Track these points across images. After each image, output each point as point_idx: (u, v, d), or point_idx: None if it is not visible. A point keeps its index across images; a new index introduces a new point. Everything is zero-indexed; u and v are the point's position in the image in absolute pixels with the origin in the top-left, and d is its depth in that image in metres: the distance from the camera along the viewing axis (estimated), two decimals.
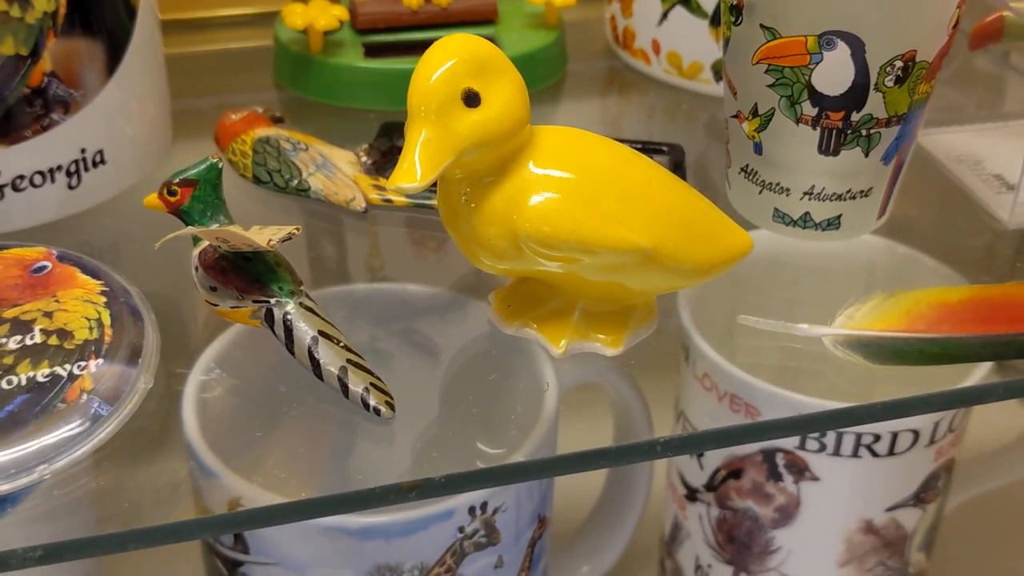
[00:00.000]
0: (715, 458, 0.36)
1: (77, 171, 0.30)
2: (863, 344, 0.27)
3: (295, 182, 0.32)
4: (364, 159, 0.33)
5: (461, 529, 0.32)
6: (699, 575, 0.39)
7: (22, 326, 0.25)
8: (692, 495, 0.38)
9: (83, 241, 0.31)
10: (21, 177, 0.30)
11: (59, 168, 0.30)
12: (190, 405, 0.32)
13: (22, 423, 0.23)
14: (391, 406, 0.25)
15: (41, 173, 0.30)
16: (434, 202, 0.30)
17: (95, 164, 0.31)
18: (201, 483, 0.32)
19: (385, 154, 0.34)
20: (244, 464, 0.32)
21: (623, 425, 0.41)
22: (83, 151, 0.30)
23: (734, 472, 0.36)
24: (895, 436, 0.34)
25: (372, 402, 0.25)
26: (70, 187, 0.30)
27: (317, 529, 0.31)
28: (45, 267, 0.26)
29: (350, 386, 0.25)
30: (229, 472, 0.31)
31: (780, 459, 0.35)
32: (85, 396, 0.24)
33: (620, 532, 0.43)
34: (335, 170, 0.32)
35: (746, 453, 0.35)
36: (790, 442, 0.34)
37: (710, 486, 0.37)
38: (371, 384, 0.25)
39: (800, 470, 0.35)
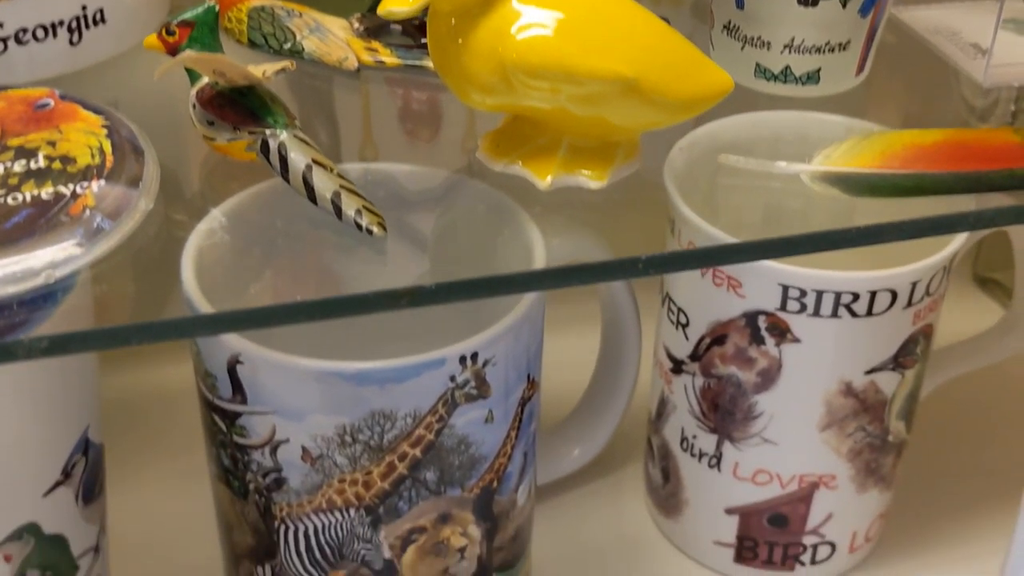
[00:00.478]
0: (699, 327, 0.38)
1: (78, 27, 0.31)
2: (839, 179, 0.28)
3: (289, 44, 0.33)
4: (356, 26, 0.34)
5: (452, 378, 0.33)
6: (684, 447, 0.40)
7: (26, 153, 0.26)
8: (678, 367, 0.39)
9: (84, 97, 0.32)
10: (24, 30, 0.30)
11: (61, 23, 0.31)
12: (189, 262, 0.33)
13: (27, 234, 0.24)
14: (383, 227, 0.26)
15: (43, 27, 0.31)
16: (426, 62, 0.31)
17: (95, 22, 0.32)
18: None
19: (376, 25, 0.35)
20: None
21: (609, 309, 0.42)
22: (84, 8, 0.31)
23: (718, 339, 0.37)
24: (873, 296, 0.35)
25: (364, 222, 0.26)
26: (71, 43, 0.31)
27: (314, 375, 0.32)
28: (48, 104, 0.27)
29: (343, 208, 0.26)
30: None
31: (762, 322, 0.36)
32: (88, 211, 0.25)
33: (610, 414, 0.44)
34: (328, 33, 0.33)
35: (729, 318, 0.36)
36: (771, 304, 0.35)
37: (695, 355, 0.38)
38: (363, 207, 0.26)
39: (782, 332, 0.36)
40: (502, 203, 0.38)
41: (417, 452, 0.33)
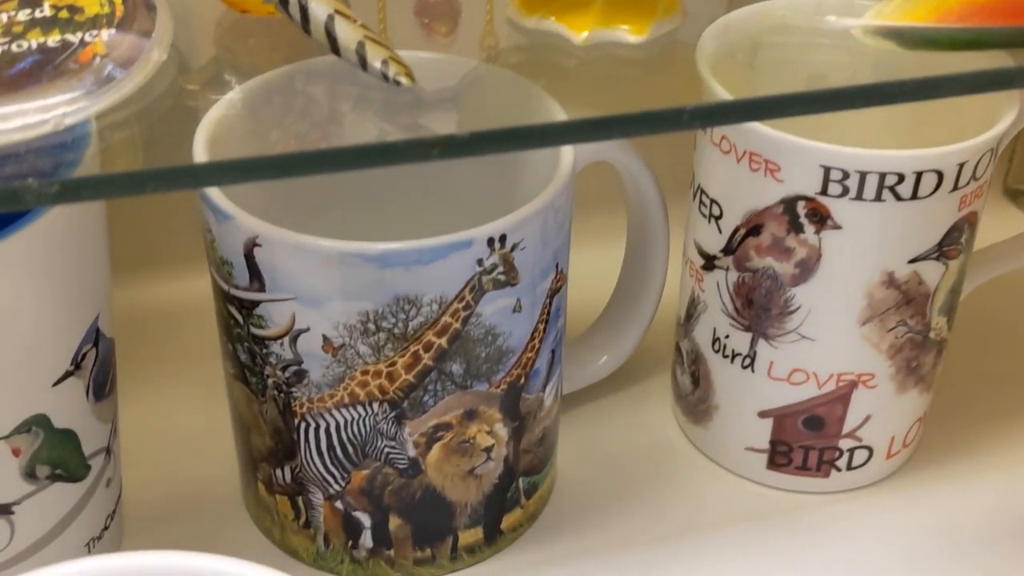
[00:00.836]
0: (734, 218, 0.36)
1: None
2: (894, 32, 0.26)
3: None
4: None
5: (480, 262, 0.31)
6: (716, 348, 0.39)
7: (30, 2, 0.24)
8: (710, 263, 0.38)
9: None
10: None
11: None
12: (202, 136, 0.32)
13: (34, 80, 0.22)
14: (411, 76, 0.25)
15: None
16: None
17: None
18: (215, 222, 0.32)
19: None
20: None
21: (636, 209, 0.40)
22: None
23: (753, 229, 0.36)
24: (919, 177, 0.33)
25: (391, 72, 0.25)
26: None
27: (336, 256, 0.30)
28: None
29: (368, 59, 0.25)
30: (243, 213, 0.31)
31: (802, 208, 0.34)
32: (98, 59, 0.23)
33: (638, 319, 0.42)
34: None
35: (766, 206, 0.35)
36: (812, 188, 0.34)
37: (728, 249, 0.37)
38: (389, 57, 0.25)
39: (822, 219, 0.34)
40: (529, 91, 0.36)
41: (443, 342, 0.32)
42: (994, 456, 0.41)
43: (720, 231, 0.37)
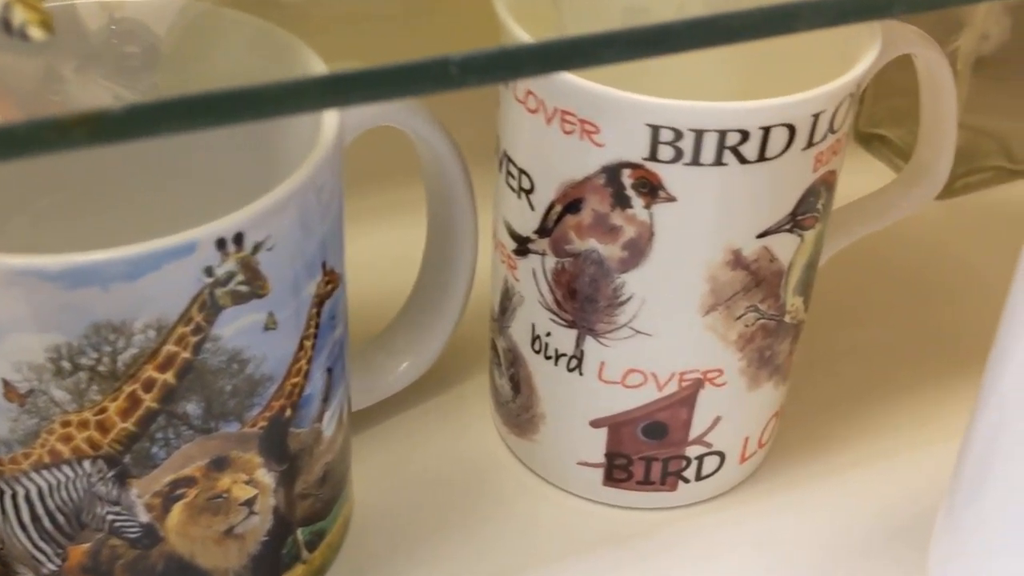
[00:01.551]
0: (547, 191, 0.29)
1: None
2: None
3: None
4: None
5: (209, 271, 0.23)
6: (537, 347, 0.32)
7: None
8: (523, 247, 0.31)
9: None
10: None
11: None
12: None
13: None
14: (48, 26, 0.17)
15: None
16: None
17: None
18: None
19: None
20: None
21: (435, 183, 0.33)
22: None
23: (571, 205, 0.29)
24: (767, 134, 0.27)
25: (17, 20, 0.17)
26: None
27: (6, 276, 0.22)
28: None
29: None
30: None
31: (627, 177, 0.28)
32: None
33: (444, 316, 0.35)
34: None
35: (585, 175, 0.28)
36: (638, 152, 0.27)
37: (543, 229, 0.30)
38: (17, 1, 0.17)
39: (652, 189, 0.28)
40: (276, 38, 0.29)
41: (169, 377, 0.24)
42: (858, 447, 0.36)
43: (532, 208, 0.30)
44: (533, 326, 0.32)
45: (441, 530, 0.33)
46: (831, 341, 0.39)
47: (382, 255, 0.40)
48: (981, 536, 0.22)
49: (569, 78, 0.27)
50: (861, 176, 0.37)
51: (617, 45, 0.17)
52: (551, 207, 0.29)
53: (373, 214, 0.43)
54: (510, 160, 0.30)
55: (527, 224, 0.30)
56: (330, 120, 0.27)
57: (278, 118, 0.16)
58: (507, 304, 0.33)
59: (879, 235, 0.37)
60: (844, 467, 0.35)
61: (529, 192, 0.30)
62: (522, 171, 0.30)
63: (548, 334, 0.31)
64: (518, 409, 0.34)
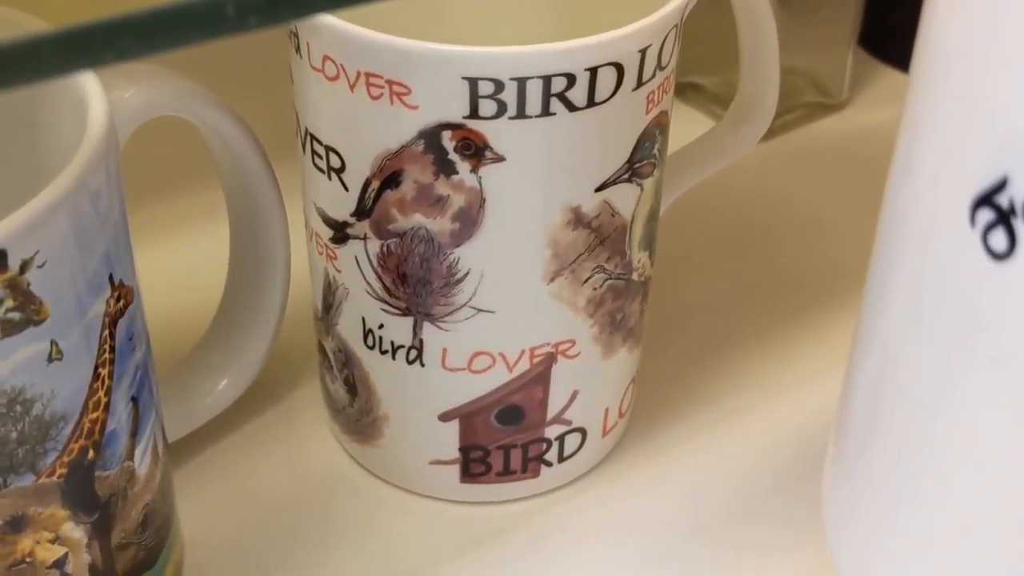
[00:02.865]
0: (360, 168, 0.26)
1: None
2: None
3: None
4: None
5: None
6: (370, 343, 0.29)
7: None
8: (341, 233, 0.28)
9: None
10: None
11: None
12: None
13: None
14: None
15: None
16: None
17: None
18: None
19: None
20: None
21: (231, 177, 0.30)
22: None
23: (390, 179, 0.26)
24: (593, 75, 0.24)
25: None
26: None
27: None
28: None
29: None
30: None
31: (448, 140, 0.25)
32: None
33: (262, 323, 0.32)
34: None
35: (401, 144, 0.25)
36: (458, 111, 0.24)
37: (361, 211, 0.27)
38: None
39: (478, 151, 0.25)
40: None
41: None
42: (719, 405, 0.34)
43: (346, 188, 0.27)
44: (363, 320, 0.29)
45: (289, 557, 0.30)
46: (676, 297, 0.38)
47: (182, 266, 0.36)
48: (878, 486, 0.20)
49: (370, 34, 0.24)
50: (681, 127, 0.36)
51: None
52: (367, 184, 0.26)
53: (167, 222, 0.39)
54: (314, 138, 0.27)
55: (342, 207, 0.27)
56: (97, 113, 0.23)
57: (23, 87, 0.12)
58: (331, 300, 0.29)
59: (706, 184, 0.35)
60: (709, 427, 0.34)
61: (340, 171, 0.26)
62: (329, 148, 0.26)
63: (381, 326, 0.28)
64: (357, 413, 0.31)
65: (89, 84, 0.23)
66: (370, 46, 0.24)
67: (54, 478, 0.22)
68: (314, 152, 0.27)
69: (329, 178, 0.27)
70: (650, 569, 0.30)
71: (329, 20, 0.24)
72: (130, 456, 0.25)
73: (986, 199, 0.15)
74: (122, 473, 0.25)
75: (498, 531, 0.31)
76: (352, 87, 0.25)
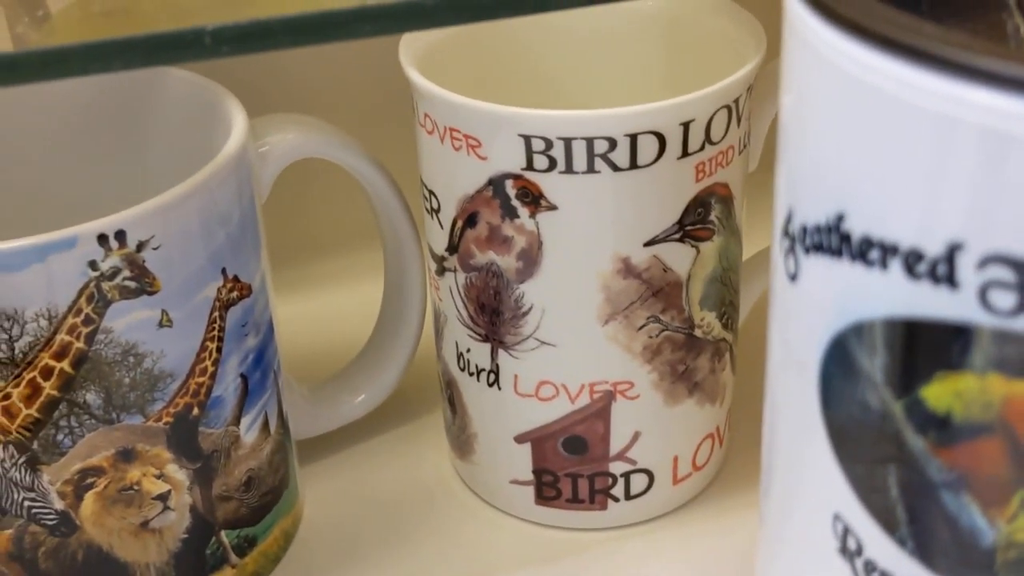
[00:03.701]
0: (449, 208, 0.31)
1: None
2: None
3: None
4: None
5: (93, 265, 0.26)
6: (461, 364, 0.33)
7: None
8: (440, 266, 0.32)
9: None
10: None
11: None
12: None
13: None
14: None
15: None
16: None
17: None
18: None
19: None
20: None
21: (382, 218, 0.36)
22: None
23: (469, 219, 0.31)
24: (634, 141, 0.28)
25: None
26: None
27: None
28: None
29: None
30: None
31: (510, 188, 0.29)
32: None
33: (398, 351, 0.37)
34: None
35: (476, 189, 0.30)
36: (516, 163, 0.29)
37: (451, 246, 0.32)
38: None
39: (535, 198, 0.29)
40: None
41: (65, 366, 0.27)
42: None
43: (442, 226, 0.32)
44: (456, 343, 0.33)
45: (382, 549, 0.34)
46: None
47: (352, 305, 0.42)
48: (769, 529, 0.22)
49: (451, 96, 0.29)
50: None
51: (367, 20, 0.19)
52: (454, 223, 0.31)
53: (345, 274, 0.44)
54: (423, 183, 0.32)
55: (440, 243, 0.32)
56: (236, 136, 0.29)
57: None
58: (438, 326, 0.34)
59: None
60: None
61: (437, 211, 0.31)
62: (431, 192, 0.32)
63: (468, 350, 0.33)
64: (457, 430, 0.35)
65: (235, 110, 0.30)
66: (451, 105, 0.29)
67: (160, 423, 0.29)
68: (423, 195, 0.32)
69: (432, 217, 0.32)
70: None
71: (425, 84, 0.29)
72: (236, 423, 0.30)
73: (784, 230, 0.18)
74: (226, 435, 0.30)
75: (562, 554, 0.34)
76: (442, 139, 0.30)
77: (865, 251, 0.16)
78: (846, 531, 0.18)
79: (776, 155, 0.19)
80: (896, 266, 0.15)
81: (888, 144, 0.15)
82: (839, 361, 0.17)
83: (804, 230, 0.17)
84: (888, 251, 0.15)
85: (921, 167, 0.15)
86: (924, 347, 0.15)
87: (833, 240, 0.16)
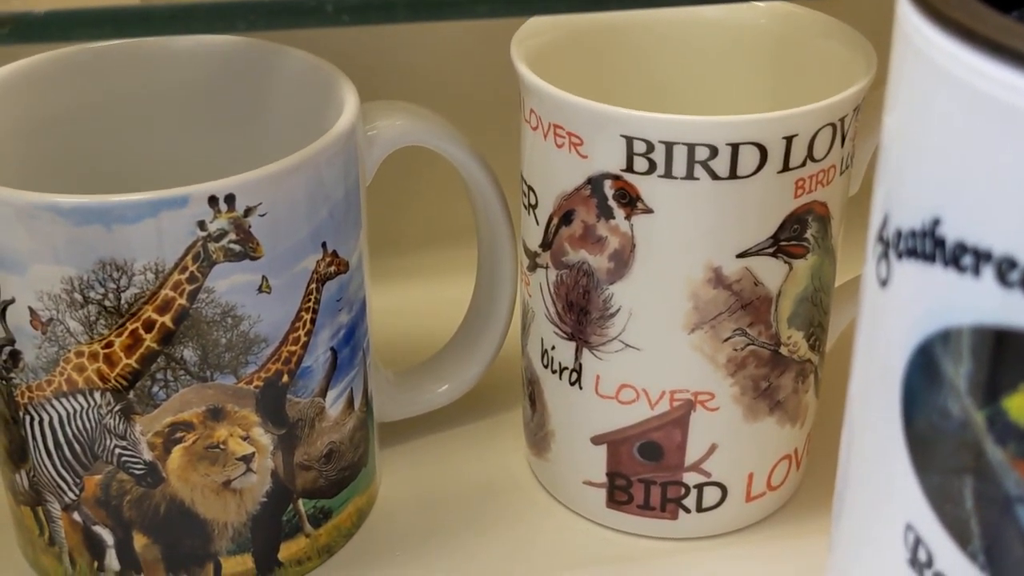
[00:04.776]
0: (547, 205, 0.31)
1: None
2: None
3: None
4: None
5: (202, 225, 0.27)
6: (545, 361, 0.34)
7: None
8: (533, 262, 0.33)
9: None
10: None
11: None
12: None
13: None
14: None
15: None
16: None
17: None
18: None
19: None
20: None
21: (479, 210, 0.36)
22: None
23: (565, 216, 0.31)
24: (735, 151, 0.28)
25: None
26: None
27: (28, 210, 0.27)
28: None
29: None
30: None
31: (609, 188, 0.30)
32: None
33: (486, 344, 0.38)
34: None
35: (575, 187, 0.30)
36: (616, 163, 0.29)
37: (545, 242, 0.32)
38: None
39: (632, 201, 0.29)
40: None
41: (167, 320, 0.28)
42: None
43: (538, 222, 0.32)
44: (542, 340, 0.34)
45: (451, 537, 0.35)
46: None
47: (447, 298, 0.43)
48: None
49: (559, 93, 0.29)
50: None
51: (484, 1, 0.20)
52: (550, 220, 0.31)
53: (443, 267, 0.45)
54: (523, 179, 0.33)
55: (534, 239, 0.32)
56: (348, 115, 0.30)
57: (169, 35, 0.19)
58: (525, 321, 0.35)
59: None
60: None
61: (535, 207, 0.32)
62: (530, 188, 0.32)
63: (553, 347, 0.33)
64: (535, 427, 0.35)
65: (348, 91, 0.31)
66: (557, 102, 0.29)
67: (251, 386, 0.29)
68: (523, 191, 0.33)
69: (528, 213, 0.32)
70: None
71: (533, 79, 0.30)
72: (322, 394, 0.31)
73: (879, 235, 0.18)
74: (312, 406, 0.31)
75: (628, 559, 0.34)
76: (545, 136, 0.30)
77: (958, 257, 0.16)
78: (917, 542, 0.18)
79: (876, 166, 0.19)
80: (988, 273, 0.15)
81: (991, 149, 0.15)
82: (924, 368, 0.17)
83: (899, 235, 0.17)
84: (981, 257, 0.15)
85: (1022, 174, 0.15)
86: (1010, 357, 0.15)
87: (927, 245, 0.16)
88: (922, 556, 0.18)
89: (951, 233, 0.16)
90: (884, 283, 0.18)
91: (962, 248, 0.16)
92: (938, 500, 0.17)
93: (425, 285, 0.44)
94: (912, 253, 0.17)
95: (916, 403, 0.17)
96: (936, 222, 0.16)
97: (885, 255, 0.18)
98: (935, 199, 0.16)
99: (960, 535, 0.17)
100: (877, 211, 0.18)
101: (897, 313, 0.17)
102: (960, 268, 0.16)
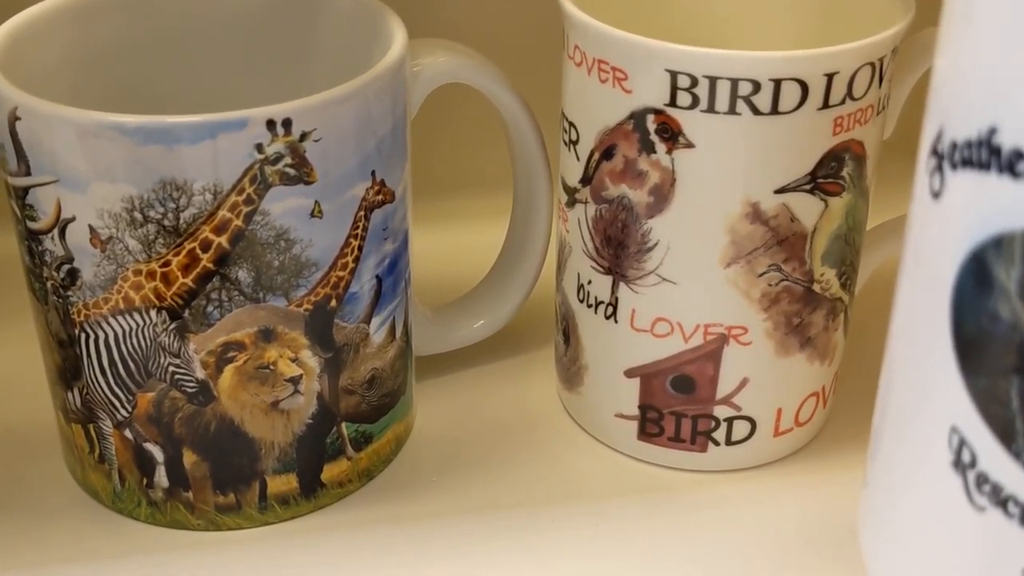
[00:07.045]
0: (588, 140, 0.32)
1: None
2: None
3: None
4: None
5: (259, 148, 0.28)
6: (581, 296, 0.35)
7: None
8: (572, 197, 0.34)
9: None
10: None
11: None
12: None
13: None
14: None
15: None
16: None
17: None
18: None
19: None
20: None
21: (515, 146, 0.37)
22: None
23: (606, 151, 0.32)
24: (777, 87, 0.29)
25: None
26: None
27: (91, 129, 0.27)
28: None
29: None
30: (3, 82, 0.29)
31: (651, 123, 0.30)
32: None
33: (520, 281, 0.39)
34: None
35: (617, 122, 0.31)
36: (660, 98, 0.30)
37: (585, 178, 0.33)
38: None
39: (673, 135, 0.30)
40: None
41: (223, 241, 0.29)
42: None
43: (578, 158, 0.33)
44: (578, 275, 0.34)
45: (484, 465, 0.36)
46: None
47: (481, 241, 0.44)
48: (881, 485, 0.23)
49: (604, 27, 0.30)
50: None
51: None
52: (591, 155, 0.32)
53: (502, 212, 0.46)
54: (564, 115, 0.33)
55: (574, 175, 0.33)
56: (396, 49, 0.31)
57: None
58: (561, 257, 0.36)
59: None
60: None
61: (576, 143, 0.33)
62: (571, 124, 0.33)
63: (589, 282, 0.34)
64: (568, 362, 0.36)
65: (396, 27, 0.32)
66: (602, 37, 0.30)
67: (301, 309, 0.30)
68: (563, 128, 0.34)
69: (569, 149, 0.33)
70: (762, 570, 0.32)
71: (578, 14, 0.31)
72: (367, 320, 0.32)
73: (933, 149, 0.18)
74: (357, 331, 0.32)
75: (656, 490, 0.35)
76: (589, 71, 0.31)
77: (1014, 163, 0.16)
78: (961, 443, 0.19)
79: (929, 83, 0.20)
80: None
81: None
82: (976, 274, 0.18)
83: (954, 146, 0.18)
84: None
85: None
86: None
87: (983, 154, 0.17)
88: (966, 457, 0.19)
89: (1007, 140, 0.17)
90: (937, 195, 0.18)
91: (1018, 155, 0.16)
92: (984, 402, 0.18)
93: (459, 229, 0.45)
94: (967, 163, 0.17)
95: (966, 308, 0.18)
96: (992, 131, 0.17)
97: (939, 167, 0.18)
98: (991, 107, 0.17)
99: (1005, 434, 0.18)
100: (931, 125, 0.19)
101: (950, 222, 0.18)
102: (1015, 175, 0.17)
